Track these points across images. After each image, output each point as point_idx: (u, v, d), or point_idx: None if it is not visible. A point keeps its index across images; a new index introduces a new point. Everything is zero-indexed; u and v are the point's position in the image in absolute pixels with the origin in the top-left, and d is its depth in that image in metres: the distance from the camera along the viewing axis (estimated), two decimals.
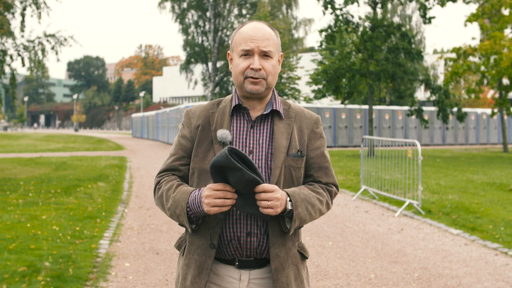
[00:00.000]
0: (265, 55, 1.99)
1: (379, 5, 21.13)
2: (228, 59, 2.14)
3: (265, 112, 2.04)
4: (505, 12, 21.81)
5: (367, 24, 21.07)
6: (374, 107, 28.69)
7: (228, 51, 2.13)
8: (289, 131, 2.04)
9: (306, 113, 2.13)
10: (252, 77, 1.98)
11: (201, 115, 2.08)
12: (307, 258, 2.11)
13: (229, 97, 2.13)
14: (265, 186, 1.83)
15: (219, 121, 2.04)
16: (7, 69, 16.04)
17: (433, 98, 21.83)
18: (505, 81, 24.42)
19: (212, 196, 1.83)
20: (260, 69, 1.98)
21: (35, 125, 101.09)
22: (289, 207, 1.90)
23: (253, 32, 1.99)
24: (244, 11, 36.65)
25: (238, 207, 1.86)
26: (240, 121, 2.05)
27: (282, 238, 1.97)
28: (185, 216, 1.91)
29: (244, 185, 1.81)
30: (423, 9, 20.38)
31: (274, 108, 2.05)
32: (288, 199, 1.91)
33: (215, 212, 1.84)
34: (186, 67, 37.24)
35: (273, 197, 1.83)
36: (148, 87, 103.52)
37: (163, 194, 2.01)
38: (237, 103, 2.05)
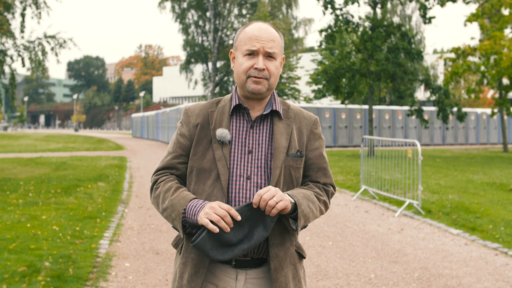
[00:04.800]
0: (269, 56, 2.00)
1: (379, 5, 21.13)
2: (230, 58, 2.13)
3: (264, 112, 2.04)
4: (505, 12, 21.81)
5: (367, 24, 21.07)
6: (374, 107, 28.68)
7: (231, 50, 2.12)
8: (288, 132, 2.04)
9: (305, 114, 2.13)
10: (255, 77, 1.98)
11: (200, 113, 2.08)
12: (304, 258, 2.11)
13: (228, 96, 2.12)
14: (257, 194, 1.82)
15: (218, 120, 2.04)
16: (7, 69, 16.05)
17: (433, 98, 21.83)
18: (505, 81, 24.42)
19: (214, 210, 1.82)
20: (263, 69, 1.98)
21: (36, 124, 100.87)
22: (291, 202, 1.89)
23: (259, 33, 2.00)
24: (244, 11, 36.65)
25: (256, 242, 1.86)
26: (239, 121, 2.05)
27: (281, 238, 1.98)
28: (180, 221, 1.91)
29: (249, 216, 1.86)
30: (423, 9, 20.37)
31: (274, 109, 2.05)
32: (290, 198, 1.90)
33: (204, 223, 1.81)
34: (186, 67, 37.24)
35: (272, 192, 1.82)
36: (148, 87, 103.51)
37: (160, 194, 2.00)
38: (237, 102, 2.05)
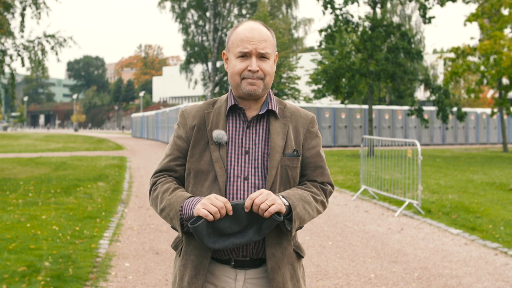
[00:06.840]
0: (262, 56, 1.98)
1: (379, 5, 21.13)
2: (223, 59, 2.12)
3: (260, 112, 2.03)
4: (505, 12, 21.82)
5: (366, 24, 21.07)
6: (374, 107, 28.68)
7: (224, 51, 2.10)
8: (284, 131, 2.03)
9: (302, 112, 2.12)
10: (250, 78, 1.97)
11: (196, 115, 2.07)
12: (303, 257, 2.10)
13: (224, 97, 2.11)
14: (249, 198, 1.82)
15: (214, 121, 2.03)
16: (6, 69, 16.05)
17: (433, 98, 21.83)
18: (505, 80, 24.43)
19: (211, 201, 1.83)
20: (258, 71, 1.97)
21: (48, 124, 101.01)
22: (285, 205, 1.88)
23: (250, 34, 1.98)
24: (244, 11, 36.68)
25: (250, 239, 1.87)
26: (236, 121, 2.04)
27: (278, 238, 1.97)
28: (178, 219, 1.91)
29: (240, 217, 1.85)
30: (423, 8, 20.38)
31: (270, 108, 2.04)
32: (284, 201, 1.89)
33: (202, 214, 1.81)
34: (186, 67, 37.28)
35: (264, 196, 1.82)
36: (148, 87, 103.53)
37: (158, 195, 2.00)
38: (233, 103, 2.04)
